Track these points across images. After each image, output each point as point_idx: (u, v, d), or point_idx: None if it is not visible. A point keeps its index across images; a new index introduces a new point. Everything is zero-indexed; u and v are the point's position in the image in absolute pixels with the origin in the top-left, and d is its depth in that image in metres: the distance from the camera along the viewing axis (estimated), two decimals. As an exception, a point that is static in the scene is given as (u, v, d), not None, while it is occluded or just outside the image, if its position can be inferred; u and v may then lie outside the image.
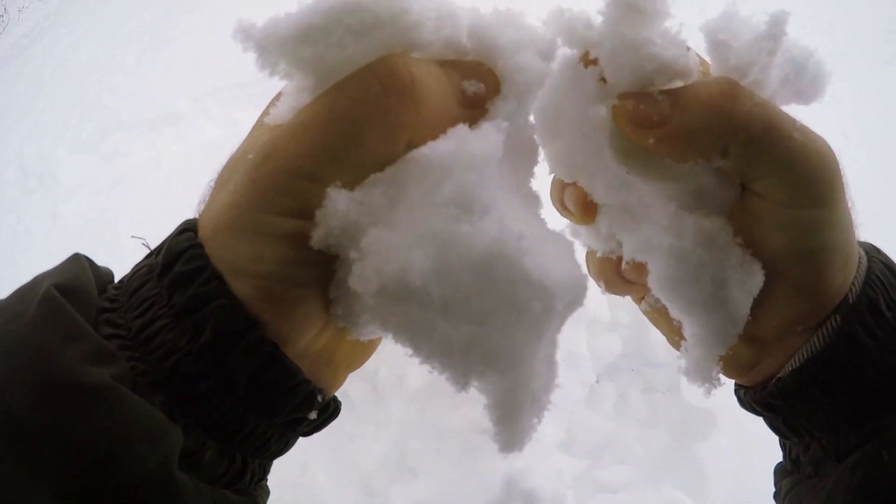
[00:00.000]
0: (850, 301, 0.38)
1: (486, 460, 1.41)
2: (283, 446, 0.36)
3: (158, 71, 2.75)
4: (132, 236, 0.50)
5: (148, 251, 0.36)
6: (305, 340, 0.33)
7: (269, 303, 0.31)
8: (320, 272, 0.32)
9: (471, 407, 1.39)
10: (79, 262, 0.34)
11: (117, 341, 0.31)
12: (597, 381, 1.52)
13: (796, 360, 0.40)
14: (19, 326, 0.29)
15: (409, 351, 0.31)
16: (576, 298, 0.33)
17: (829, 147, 0.36)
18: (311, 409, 0.34)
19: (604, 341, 1.61)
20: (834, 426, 0.40)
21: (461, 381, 0.32)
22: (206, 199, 0.34)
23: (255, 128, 0.34)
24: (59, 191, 2.48)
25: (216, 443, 0.32)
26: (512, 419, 0.33)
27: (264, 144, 0.31)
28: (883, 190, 1.91)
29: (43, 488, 0.27)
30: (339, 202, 0.30)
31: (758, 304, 0.37)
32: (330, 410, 0.36)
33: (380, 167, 0.31)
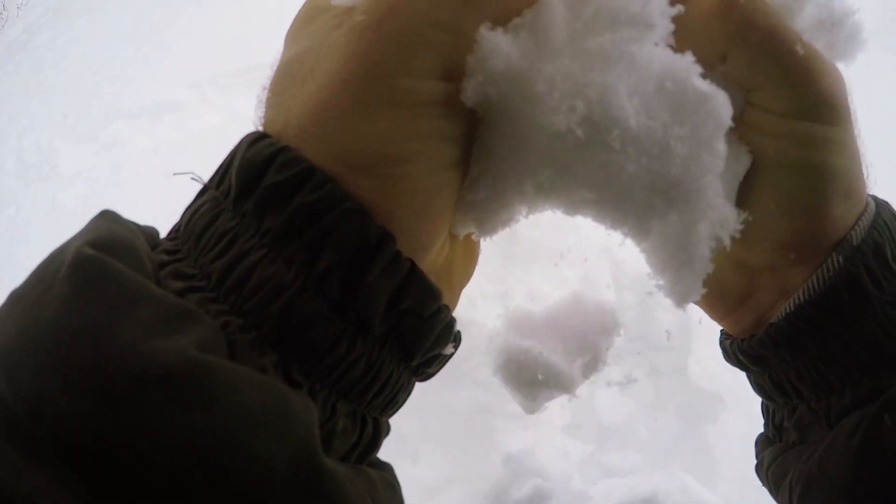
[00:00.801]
0: (854, 242, 0.35)
1: (489, 444, 1.38)
2: (406, 398, 0.29)
3: (157, 59, 2.72)
4: (174, 173, 0.44)
5: (202, 185, 0.29)
6: (435, 251, 0.26)
7: (404, 201, 0.24)
8: (462, 150, 0.26)
9: (472, 389, 1.36)
10: (110, 216, 0.26)
11: (195, 295, 0.22)
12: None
13: (791, 304, 0.36)
14: (45, 310, 0.20)
15: (590, 198, 0.28)
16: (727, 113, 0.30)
17: (835, 68, 0.33)
18: (448, 341, 0.28)
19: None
20: (827, 384, 0.36)
21: (643, 228, 0.30)
22: (273, 102, 0.28)
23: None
24: (58, 180, 2.46)
25: (347, 404, 0.24)
26: (690, 263, 0.31)
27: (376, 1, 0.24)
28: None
29: None
30: (497, 42, 0.25)
31: (748, 224, 0.33)
32: (458, 343, 0.30)
33: (519, 10, 0.27)
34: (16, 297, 0.22)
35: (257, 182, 0.23)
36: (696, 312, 1.15)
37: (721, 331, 0.44)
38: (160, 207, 1.76)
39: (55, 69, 3.51)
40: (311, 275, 0.22)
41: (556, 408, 1.33)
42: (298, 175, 0.23)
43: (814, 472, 0.35)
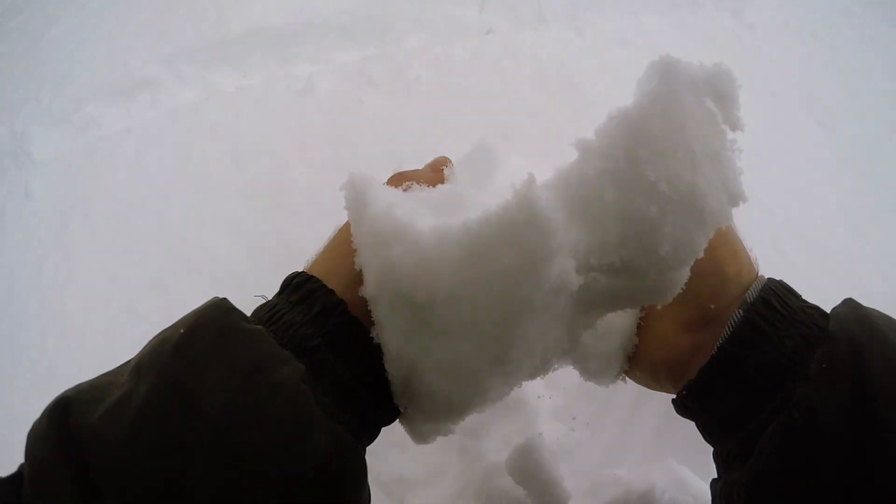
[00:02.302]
0: (749, 301, 0.52)
1: (479, 433, 1.32)
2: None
3: (131, 36, 2.59)
4: (255, 295, 0.72)
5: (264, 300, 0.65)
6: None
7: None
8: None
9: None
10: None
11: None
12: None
13: (715, 349, 0.51)
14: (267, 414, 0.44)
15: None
16: None
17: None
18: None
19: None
20: (749, 409, 0.47)
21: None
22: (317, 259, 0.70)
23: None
24: (32, 167, 2.37)
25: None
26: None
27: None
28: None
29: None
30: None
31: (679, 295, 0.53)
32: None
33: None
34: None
35: (325, 319, 0.54)
36: None
37: (671, 399, 0.57)
38: (131, 187, 1.66)
39: (28, 52, 3.40)
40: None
41: (548, 398, 1.26)
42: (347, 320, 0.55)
43: (752, 479, 0.44)
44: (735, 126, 0.60)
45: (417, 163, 1.61)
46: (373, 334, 0.56)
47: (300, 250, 1.52)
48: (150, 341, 0.53)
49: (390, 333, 0.54)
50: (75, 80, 2.63)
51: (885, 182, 1.74)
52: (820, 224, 1.62)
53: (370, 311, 0.55)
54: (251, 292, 1.51)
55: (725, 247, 0.56)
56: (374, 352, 0.54)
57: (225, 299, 0.54)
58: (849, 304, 0.57)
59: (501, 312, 0.46)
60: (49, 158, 2.35)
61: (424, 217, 0.55)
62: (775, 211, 1.63)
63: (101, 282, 1.72)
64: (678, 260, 0.47)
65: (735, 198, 0.56)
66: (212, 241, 1.62)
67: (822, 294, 1.44)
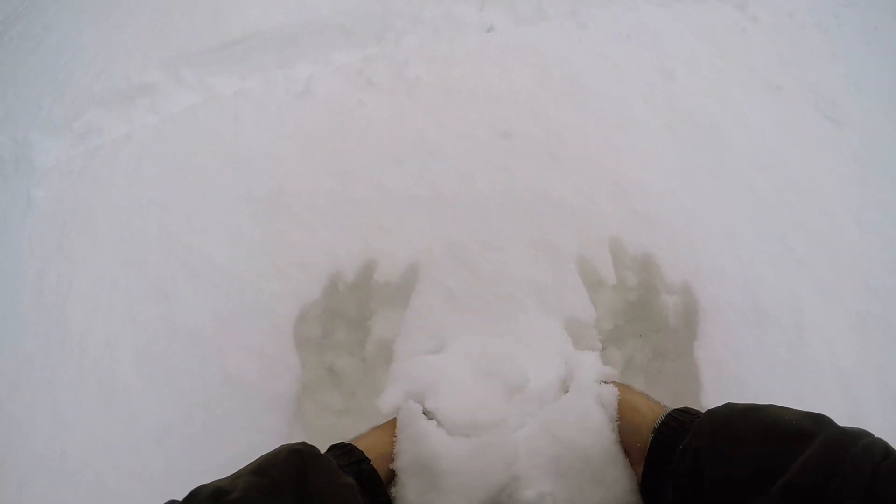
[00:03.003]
0: (655, 428, 0.91)
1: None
2: None
3: (129, 42, 2.59)
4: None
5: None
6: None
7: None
8: None
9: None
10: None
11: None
12: (602, 349, 1.40)
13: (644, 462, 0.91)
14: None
15: None
16: None
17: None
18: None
19: (609, 305, 1.48)
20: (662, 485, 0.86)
21: None
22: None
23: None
24: (33, 174, 2.36)
25: None
26: None
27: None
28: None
29: None
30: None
31: None
32: None
33: None
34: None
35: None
36: (702, 294, 1.03)
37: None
38: (130, 191, 1.65)
39: (29, 60, 3.39)
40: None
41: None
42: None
43: None
44: None
45: (421, 168, 1.59)
46: (391, 492, 0.99)
47: (301, 255, 1.51)
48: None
49: (409, 490, 0.97)
50: (75, 87, 2.62)
51: (892, 175, 1.72)
52: (827, 219, 1.59)
53: (391, 476, 1.00)
54: (251, 297, 1.50)
55: (627, 415, 0.97)
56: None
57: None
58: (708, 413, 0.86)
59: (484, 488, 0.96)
60: (50, 165, 2.34)
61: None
62: (783, 211, 1.61)
63: (103, 289, 1.71)
64: None
65: None
66: (213, 247, 1.61)
67: (829, 286, 1.42)
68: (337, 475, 0.81)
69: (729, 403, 0.85)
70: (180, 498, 0.72)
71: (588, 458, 0.94)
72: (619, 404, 0.98)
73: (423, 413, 1.05)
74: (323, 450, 0.93)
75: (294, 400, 1.34)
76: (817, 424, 0.70)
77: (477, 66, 1.88)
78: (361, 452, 0.95)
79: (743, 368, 1.29)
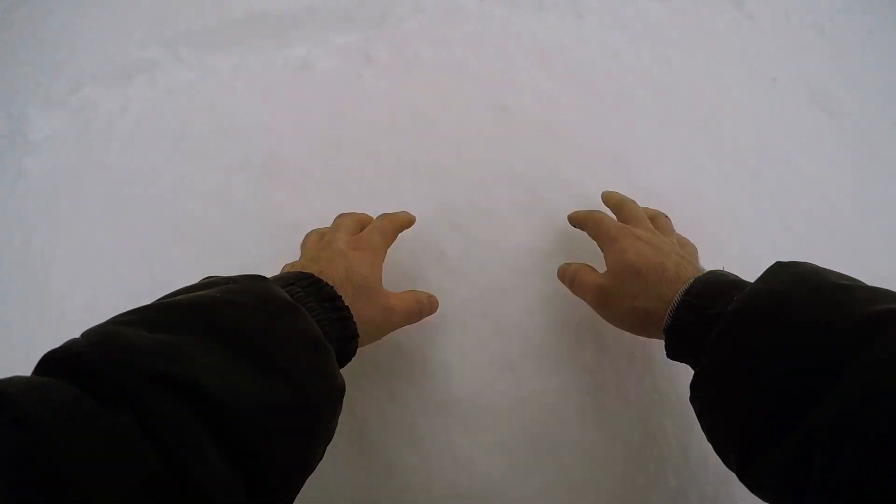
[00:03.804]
0: (676, 301, 0.80)
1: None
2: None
3: (130, 23, 2.59)
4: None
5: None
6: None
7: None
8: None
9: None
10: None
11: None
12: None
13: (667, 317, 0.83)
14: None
15: None
16: None
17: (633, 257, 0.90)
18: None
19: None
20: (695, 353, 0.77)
21: None
22: (324, 267, 0.88)
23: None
24: (26, 147, 2.34)
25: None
26: None
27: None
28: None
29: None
30: None
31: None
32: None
33: None
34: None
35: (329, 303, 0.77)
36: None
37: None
38: (123, 162, 1.62)
39: (30, 40, 3.40)
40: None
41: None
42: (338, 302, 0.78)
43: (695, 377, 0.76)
44: None
45: (418, 138, 1.58)
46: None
47: (293, 221, 1.49)
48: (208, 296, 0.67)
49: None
50: (74, 65, 2.61)
51: (890, 166, 1.72)
52: (826, 203, 1.59)
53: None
54: (239, 262, 1.47)
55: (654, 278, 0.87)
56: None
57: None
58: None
59: None
60: (44, 138, 2.33)
61: None
62: (782, 193, 1.60)
63: (88, 253, 1.68)
64: None
65: None
66: (202, 212, 1.59)
67: (828, 266, 1.41)
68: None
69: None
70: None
71: None
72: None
73: None
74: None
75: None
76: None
77: (476, 47, 1.88)
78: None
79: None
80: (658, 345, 0.89)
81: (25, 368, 1.45)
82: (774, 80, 1.91)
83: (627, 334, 1.03)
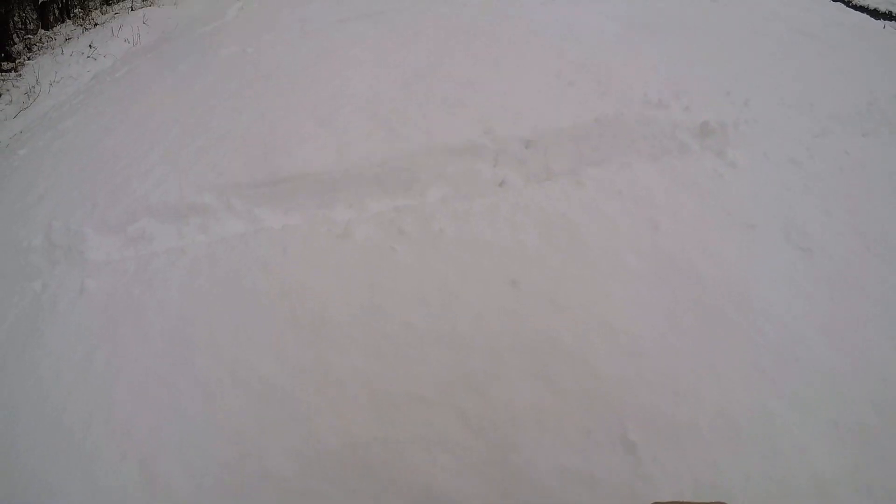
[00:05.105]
0: None
1: None
2: None
3: (185, 164, 2.95)
4: None
5: None
6: None
7: None
8: None
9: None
10: None
11: None
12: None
13: None
14: None
15: None
16: None
17: None
18: None
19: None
20: None
21: None
22: None
23: None
24: (86, 266, 2.63)
25: None
26: None
27: None
28: (873, 273, 2.09)
29: None
30: None
31: None
32: None
33: None
34: None
35: None
36: (681, 417, 1.30)
37: None
38: (184, 307, 1.95)
39: (85, 156, 3.76)
40: None
41: None
42: None
43: None
44: None
45: (441, 306, 1.90)
46: None
47: (338, 376, 1.78)
48: None
49: None
50: (131, 194, 2.95)
51: (862, 294, 1.98)
52: (798, 340, 1.85)
53: None
54: (291, 409, 1.75)
55: None
56: None
57: None
58: None
59: None
60: (103, 260, 2.63)
61: None
62: (754, 335, 1.87)
63: (150, 382, 1.95)
64: None
65: None
66: (258, 360, 1.87)
67: (801, 400, 1.67)
68: None
69: None
70: None
71: None
72: None
73: None
74: None
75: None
76: None
77: (491, 222, 2.23)
78: None
79: (720, 477, 1.54)
80: None
81: (86, 476, 1.71)
82: (753, 227, 2.23)
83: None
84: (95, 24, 8.17)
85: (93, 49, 7.04)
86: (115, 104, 4.57)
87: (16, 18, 9.24)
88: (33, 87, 6.57)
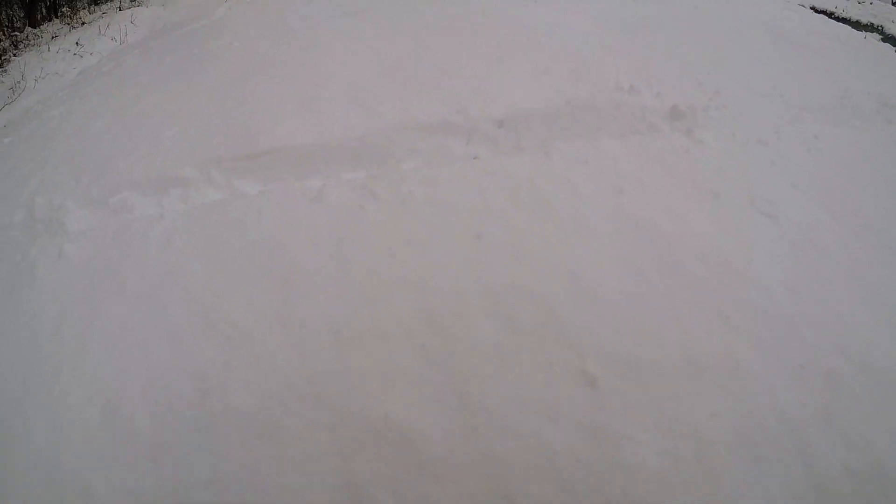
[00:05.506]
0: None
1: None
2: None
3: (168, 142, 3.05)
4: None
5: None
6: None
7: None
8: None
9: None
10: None
11: None
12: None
13: None
14: None
15: None
16: None
17: None
18: None
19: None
20: None
21: None
22: None
23: None
24: (66, 235, 2.70)
25: None
26: None
27: None
28: (837, 238, 2.19)
29: None
30: None
31: None
32: None
33: None
34: None
35: None
36: (643, 352, 1.39)
37: None
38: (163, 264, 2.03)
39: (71, 139, 3.83)
40: None
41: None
42: None
43: None
44: None
45: (407, 257, 1.99)
46: None
47: (302, 318, 1.86)
48: None
49: None
50: (114, 169, 3.03)
51: (826, 256, 2.07)
52: (762, 292, 1.93)
53: None
54: (256, 349, 1.82)
55: None
56: None
57: None
58: None
59: None
60: (83, 229, 2.70)
61: None
62: (718, 287, 1.95)
63: (122, 333, 2.02)
64: None
65: None
66: (229, 307, 1.96)
67: (766, 345, 1.76)
68: None
69: None
70: None
71: None
72: None
73: None
74: None
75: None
76: None
77: (459, 186, 2.34)
78: None
79: (685, 412, 1.62)
80: None
81: (51, 421, 1.78)
82: (718, 196, 2.34)
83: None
84: (83, 23, 8.24)
85: (79, 46, 7.11)
86: (100, 94, 4.65)
87: (2, 16, 9.26)
88: (18, 82, 6.63)
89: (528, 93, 3.05)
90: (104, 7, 8.75)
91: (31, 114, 5.55)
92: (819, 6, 5.79)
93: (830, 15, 5.54)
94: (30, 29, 8.53)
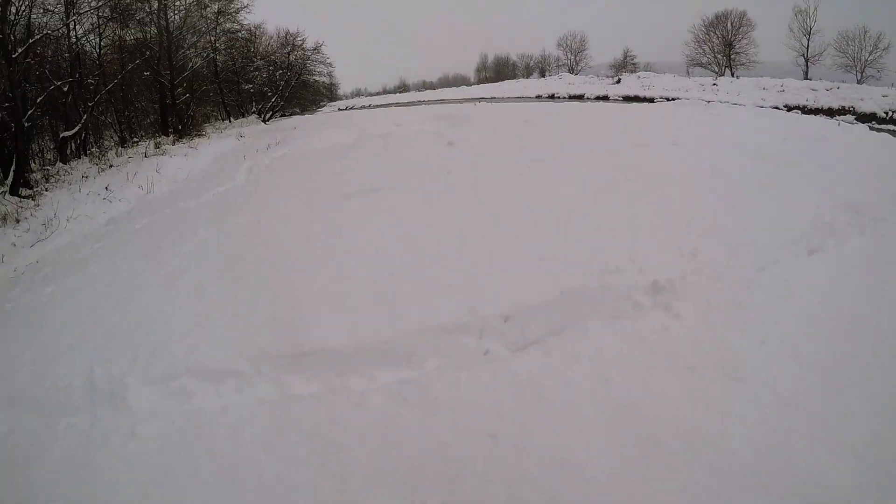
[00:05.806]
0: None
1: None
2: None
3: (218, 331, 3.59)
4: None
5: None
6: None
7: None
8: None
9: None
10: None
11: None
12: None
13: None
14: None
15: None
16: None
17: None
18: None
19: None
20: None
21: None
22: None
23: None
24: (130, 412, 3.15)
25: None
26: None
27: None
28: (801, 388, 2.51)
29: None
30: None
31: None
32: None
33: None
34: None
35: None
36: None
37: None
38: (232, 460, 2.56)
39: (120, 310, 4.32)
40: None
41: None
42: None
43: None
44: None
45: (441, 464, 2.48)
46: None
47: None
48: None
49: None
50: (170, 354, 3.52)
51: (796, 410, 2.47)
52: (729, 456, 2.33)
53: None
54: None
55: None
56: None
57: None
58: None
59: None
60: (149, 410, 3.12)
61: None
62: (689, 458, 2.34)
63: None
64: None
65: None
66: (298, 498, 2.40)
67: None
68: None
69: None
70: None
71: None
72: None
73: None
74: None
75: None
76: None
77: (476, 389, 2.81)
78: None
79: None
80: None
81: None
82: (693, 369, 2.77)
83: None
84: (110, 166, 8.98)
85: (109, 192, 7.75)
86: (143, 259, 5.22)
87: (34, 147, 10.03)
88: (51, 219, 7.16)
89: (529, 284, 3.67)
90: (130, 152, 9.58)
91: (67, 259, 6.07)
92: (791, 102, 6.65)
93: (803, 109, 6.29)
94: (60, 164, 9.24)
